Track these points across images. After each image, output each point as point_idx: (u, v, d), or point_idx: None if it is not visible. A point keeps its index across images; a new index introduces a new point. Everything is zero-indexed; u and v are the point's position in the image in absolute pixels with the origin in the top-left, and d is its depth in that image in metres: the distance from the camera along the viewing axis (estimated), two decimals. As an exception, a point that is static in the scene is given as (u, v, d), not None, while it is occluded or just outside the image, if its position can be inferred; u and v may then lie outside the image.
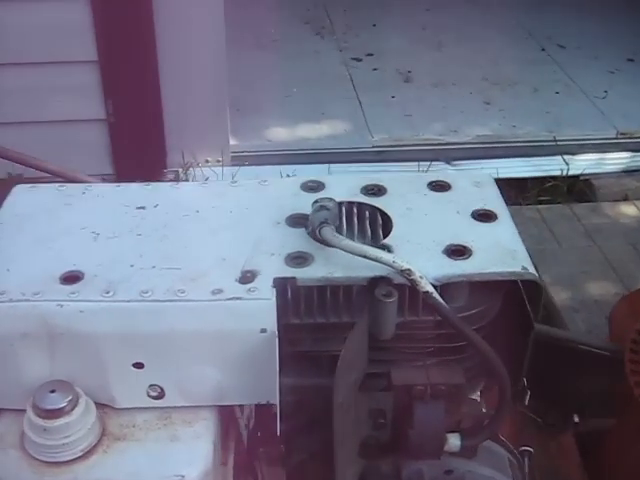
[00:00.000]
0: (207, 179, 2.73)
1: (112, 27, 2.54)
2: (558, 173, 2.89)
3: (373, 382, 0.78)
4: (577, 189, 2.96)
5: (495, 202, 0.85)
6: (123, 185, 0.89)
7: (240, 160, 2.82)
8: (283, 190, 0.86)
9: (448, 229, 0.80)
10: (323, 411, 0.83)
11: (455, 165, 2.90)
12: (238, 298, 0.70)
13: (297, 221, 0.80)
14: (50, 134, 2.70)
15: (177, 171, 2.78)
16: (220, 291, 0.70)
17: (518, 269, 0.75)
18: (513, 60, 3.69)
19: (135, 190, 0.87)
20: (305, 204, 0.83)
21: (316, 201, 0.78)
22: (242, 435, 0.86)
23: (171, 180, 2.77)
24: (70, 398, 0.70)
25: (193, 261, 0.74)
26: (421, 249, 0.77)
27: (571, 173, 2.91)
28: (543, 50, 3.82)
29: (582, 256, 2.59)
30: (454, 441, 0.77)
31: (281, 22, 3.96)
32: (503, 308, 0.81)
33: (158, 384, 0.74)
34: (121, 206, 0.83)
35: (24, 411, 0.74)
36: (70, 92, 2.63)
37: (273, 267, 0.73)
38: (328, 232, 0.73)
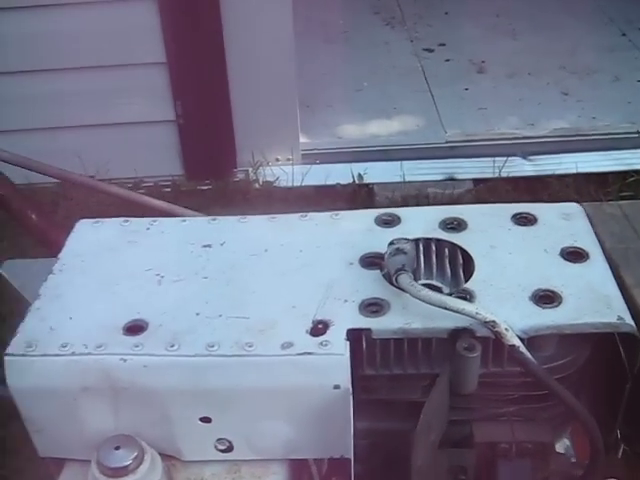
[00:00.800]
0: (277, 178, 2.71)
1: (180, 28, 2.52)
2: (640, 167, 2.77)
3: (453, 434, 0.73)
4: (660, 183, 2.83)
5: (586, 238, 0.79)
6: (189, 220, 0.85)
7: (310, 158, 2.79)
8: (356, 225, 0.81)
9: (535, 271, 0.74)
10: (396, 455, 0.79)
11: (532, 160, 2.81)
12: (309, 353, 0.66)
13: (371, 261, 0.76)
14: (121, 136, 2.70)
15: (247, 170, 2.76)
16: (290, 345, 0.66)
17: (614, 320, 0.69)
18: (592, 47, 3.56)
19: (201, 225, 0.83)
20: (380, 241, 0.77)
21: (392, 242, 0.73)
22: (314, 482, 0.82)
23: (241, 180, 2.75)
24: (135, 455, 0.67)
25: (261, 309, 0.70)
26: (506, 295, 0.71)
27: (655, 166, 2.78)
28: (624, 35, 3.67)
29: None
30: (542, 501, 0.72)
31: (350, 13, 3.90)
32: (596, 354, 0.74)
33: (226, 438, 0.70)
34: (186, 244, 0.80)
35: (87, 461, 0.72)
36: (139, 94, 2.64)
37: (346, 316, 0.69)
38: (405, 281, 0.68)
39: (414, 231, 0.79)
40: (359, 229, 0.80)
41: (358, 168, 2.71)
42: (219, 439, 0.70)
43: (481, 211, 0.83)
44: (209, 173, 2.73)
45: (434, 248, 0.78)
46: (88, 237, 0.83)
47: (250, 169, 2.73)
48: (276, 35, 2.55)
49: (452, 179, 2.75)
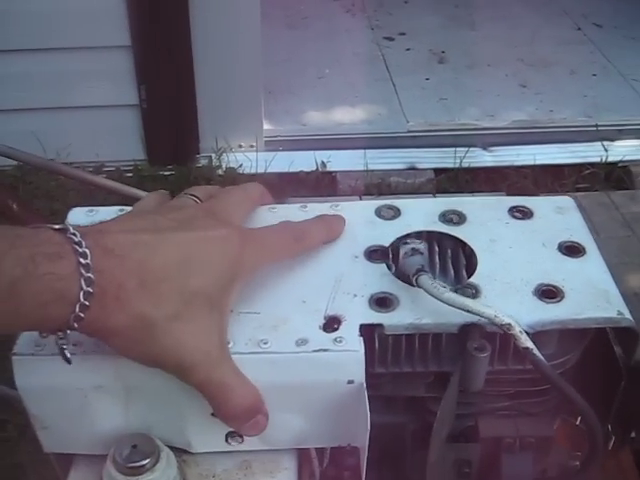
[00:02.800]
0: (241, 165, 2.71)
1: (145, 11, 2.51)
2: (597, 160, 2.85)
3: (457, 429, 0.75)
4: (615, 176, 2.91)
5: (581, 232, 0.81)
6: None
7: (274, 145, 2.80)
8: (357, 217, 0.81)
9: (536, 265, 0.76)
10: (394, 448, 0.81)
11: (492, 151, 2.86)
12: (325, 350, 0.66)
13: (376, 255, 0.76)
14: (83, 120, 2.68)
15: (210, 156, 2.75)
16: (305, 341, 0.67)
17: (614, 314, 0.71)
18: (548, 40, 3.63)
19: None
20: (382, 234, 0.78)
21: (405, 242, 0.74)
22: (315, 475, 0.84)
23: (204, 166, 2.74)
24: (152, 454, 0.67)
25: (271, 304, 0.71)
26: (510, 290, 0.73)
27: (610, 160, 2.86)
28: (579, 29, 3.75)
29: (621, 246, 2.55)
30: (541, 492, 0.75)
31: (310, -1, 3.90)
32: (589, 350, 0.77)
33: (237, 431, 0.71)
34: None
35: (98, 457, 0.72)
36: (103, 77, 2.62)
37: (357, 311, 0.70)
38: (427, 282, 0.68)
39: (415, 224, 0.80)
40: (360, 221, 0.81)
41: (322, 156, 2.73)
42: (230, 432, 0.71)
43: (478, 204, 0.84)
44: (172, 158, 2.72)
45: (436, 243, 0.79)
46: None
47: (213, 155, 2.74)
48: (243, 21, 2.55)
49: (414, 168, 2.79)
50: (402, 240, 0.75)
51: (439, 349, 0.71)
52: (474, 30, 3.63)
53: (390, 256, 0.76)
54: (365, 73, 3.22)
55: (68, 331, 0.58)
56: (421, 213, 0.83)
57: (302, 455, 0.76)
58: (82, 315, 0.57)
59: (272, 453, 0.73)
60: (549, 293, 0.73)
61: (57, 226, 0.58)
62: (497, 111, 3.00)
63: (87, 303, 0.56)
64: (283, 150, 2.75)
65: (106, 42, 2.52)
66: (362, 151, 2.72)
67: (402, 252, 0.73)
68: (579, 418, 0.79)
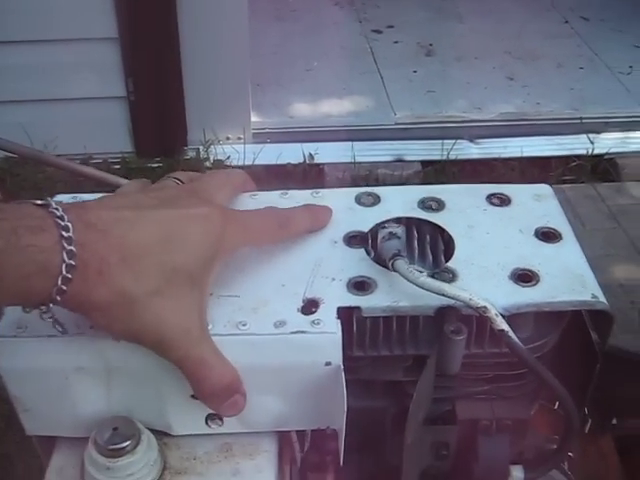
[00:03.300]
0: (228, 157, 2.71)
1: (132, 4, 2.50)
2: (583, 152, 2.87)
3: (435, 411, 0.76)
4: (601, 168, 2.93)
5: (558, 218, 0.82)
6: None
7: (262, 137, 2.81)
8: (337, 203, 0.82)
9: (512, 251, 0.77)
10: (374, 432, 0.81)
11: (479, 144, 2.87)
12: (302, 332, 0.67)
13: (355, 240, 0.77)
14: (70, 112, 2.67)
15: (198, 149, 2.76)
16: (283, 323, 0.68)
17: (588, 298, 0.72)
18: (535, 33, 3.65)
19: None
20: (361, 220, 0.79)
21: (383, 226, 0.75)
22: (296, 459, 0.84)
23: (192, 158, 2.74)
24: (133, 435, 0.67)
25: (251, 287, 0.72)
26: (487, 274, 0.74)
27: (596, 152, 2.88)
28: (566, 22, 3.77)
29: (607, 238, 2.57)
30: (517, 474, 0.75)
31: (298, -10, 3.90)
32: (565, 334, 0.78)
33: (216, 413, 0.71)
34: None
35: (80, 439, 0.72)
36: (90, 70, 2.62)
37: (335, 294, 0.71)
38: (403, 266, 0.69)
39: (394, 210, 0.81)
40: (340, 207, 0.82)
41: (309, 148, 2.74)
42: (210, 414, 0.72)
43: (457, 191, 0.85)
44: (159, 151, 2.72)
45: (415, 229, 0.80)
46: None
47: (201, 147, 2.74)
48: (230, 12, 2.55)
49: (401, 160, 2.80)
50: (380, 225, 0.76)
51: (416, 332, 0.72)
52: (462, 23, 3.65)
53: (369, 241, 0.77)
54: (353, 66, 3.23)
55: (51, 305, 0.59)
56: (400, 200, 0.84)
57: (283, 439, 0.77)
58: (64, 288, 0.57)
59: (252, 436, 0.74)
60: (525, 277, 0.74)
61: (39, 201, 0.58)
62: (484, 103, 3.02)
63: (69, 276, 0.57)
64: (271, 142, 2.76)
65: (93, 34, 2.52)
66: (349, 143, 2.73)
67: (380, 236, 0.74)
68: (557, 403, 0.80)
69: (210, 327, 0.68)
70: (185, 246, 0.63)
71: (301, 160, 2.70)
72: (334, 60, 3.28)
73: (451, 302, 0.70)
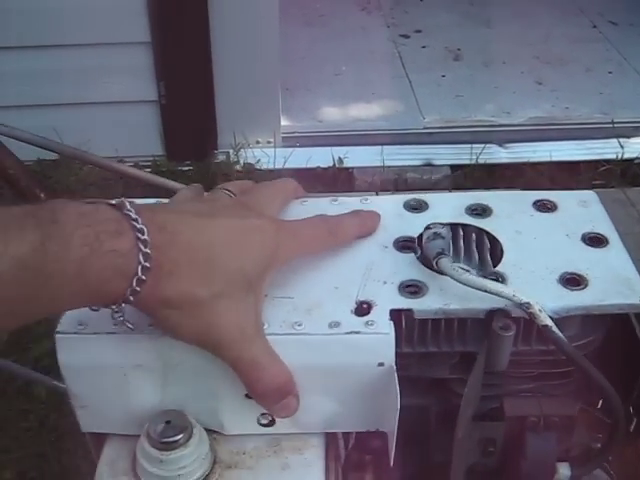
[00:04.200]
0: (258, 161, 2.73)
1: (165, 8, 2.53)
2: (613, 156, 2.86)
3: (483, 408, 0.77)
4: (631, 173, 2.92)
5: (604, 224, 0.83)
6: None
7: (291, 141, 2.82)
8: (386, 209, 0.83)
9: (560, 255, 0.78)
10: (418, 430, 0.83)
11: (508, 148, 2.87)
12: (357, 332, 0.68)
13: (405, 245, 0.79)
14: (103, 115, 2.70)
15: (228, 152, 2.78)
16: (337, 324, 0.69)
17: (637, 301, 0.73)
18: (564, 37, 3.64)
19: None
20: (410, 226, 0.81)
21: (428, 227, 0.76)
22: (340, 457, 0.86)
23: (222, 161, 2.76)
24: (186, 430, 0.69)
25: (304, 289, 0.73)
26: (535, 278, 0.75)
27: (626, 156, 2.87)
28: (594, 27, 3.75)
29: (637, 242, 2.56)
30: (564, 471, 0.76)
31: (326, -4, 3.91)
32: (611, 334, 0.79)
33: (269, 413, 0.73)
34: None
35: (132, 436, 0.74)
36: (123, 73, 2.64)
37: (388, 297, 0.72)
38: (447, 265, 0.71)
39: (442, 216, 0.82)
40: (389, 214, 0.83)
41: (338, 152, 2.75)
42: (262, 414, 0.73)
43: (504, 198, 0.86)
44: (190, 154, 2.74)
45: (462, 233, 0.81)
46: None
47: (231, 151, 2.76)
48: (261, 16, 2.57)
49: (430, 165, 2.80)
50: (426, 227, 0.77)
51: (464, 331, 0.73)
52: (489, 28, 3.64)
53: (417, 246, 0.78)
54: (381, 70, 3.24)
55: (123, 304, 0.61)
56: (448, 206, 0.85)
57: (328, 436, 0.78)
58: (138, 289, 0.59)
59: (300, 433, 0.75)
60: (573, 281, 0.75)
61: (113, 201, 0.60)
62: (513, 108, 3.02)
63: (144, 277, 0.59)
64: (300, 146, 2.77)
65: (126, 38, 2.55)
66: (379, 147, 2.74)
67: (425, 237, 0.76)
68: (600, 403, 0.81)
69: (266, 327, 0.69)
70: (243, 253, 0.65)
71: (330, 164, 2.71)
72: (362, 65, 3.28)
73: (501, 305, 0.71)
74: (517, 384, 0.78)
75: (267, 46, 2.62)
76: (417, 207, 0.85)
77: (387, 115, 2.95)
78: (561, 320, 0.73)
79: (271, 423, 0.74)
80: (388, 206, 0.85)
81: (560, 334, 0.70)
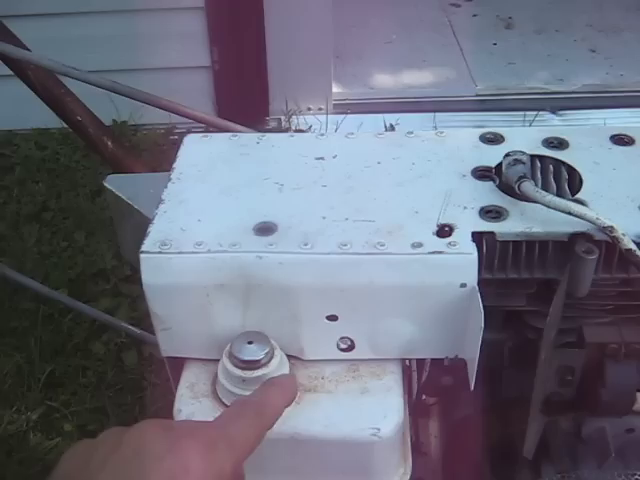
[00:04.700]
0: (310, 127, 2.73)
1: (220, -27, 2.53)
2: (669, 124, 2.80)
3: (561, 339, 0.77)
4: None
5: (683, 156, 0.82)
6: (296, 135, 0.88)
7: (342, 108, 2.82)
8: (462, 142, 0.84)
9: (640, 185, 0.77)
10: (491, 366, 0.82)
11: (561, 115, 2.84)
12: (440, 252, 0.69)
13: (483, 174, 0.79)
14: (156, 81, 2.71)
15: (279, 119, 2.78)
16: (420, 245, 0.69)
17: None
18: (617, 5, 3.58)
19: (309, 140, 0.86)
20: (488, 156, 0.81)
21: (508, 154, 0.76)
22: (412, 388, 0.86)
23: (273, 128, 2.77)
24: (268, 350, 0.70)
25: (385, 213, 0.73)
26: (616, 205, 0.74)
27: (682, 124, 2.80)
28: (649, -5, 3.67)
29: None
30: (645, 400, 0.76)
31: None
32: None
33: (349, 336, 0.74)
34: (299, 156, 0.82)
35: (211, 361, 0.75)
36: (177, 39, 2.65)
37: (469, 221, 0.72)
38: (529, 187, 0.71)
39: (518, 148, 0.82)
40: (466, 145, 0.83)
41: (390, 118, 2.74)
42: (342, 337, 0.74)
43: (581, 132, 0.85)
44: (242, 120, 2.74)
45: (540, 164, 0.80)
46: (199, 149, 0.85)
47: (283, 117, 2.76)
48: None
49: (483, 132, 2.76)
50: (506, 155, 0.77)
51: (545, 256, 0.72)
52: (541, -4, 3.60)
53: (495, 175, 0.78)
54: (432, 38, 3.22)
55: None
56: (524, 139, 0.85)
57: (404, 366, 0.79)
58: None
59: (378, 360, 0.76)
60: (654, 208, 0.74)
61: None
62: (566, 75, 2.98)
63: None
64: (351, 113, 2.77)
65: (179, 4, 2.56)
66: (431, 114, 2.72)
67: (505, 164, 0.75)
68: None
69: (348, 247, 0.70)
70: None
71: (382, 130, 2.70)
72: (413, 33, 3.26)
73: (584, 228, 0.71)
74: (595, 316, 0.78)
75: (320, 13, 2.62)
76: (493, 140, 0.85)
77: (439, 82, 2.93)
78: (641, 248, 0.72)
79: (350, 348, 0.75)
80: (464, 138, 0.85)
81: (644, 258, 0.69)
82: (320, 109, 2.76)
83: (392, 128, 2.71)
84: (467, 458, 0.89)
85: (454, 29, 3.30)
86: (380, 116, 2.72)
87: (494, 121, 2.78)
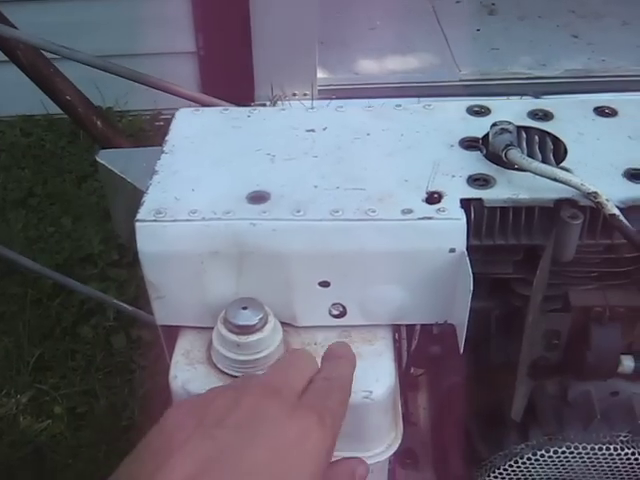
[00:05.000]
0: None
1: (204, -42, 2.53)
2: (651, 108, 2.82)
3: (548, 306, 0.78)
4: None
5: (666, 126, 0.84)
6: (287, 108, 0.89)
7: (327, 94, 2.83)
8: (450, 114, 0.85)
9: (623, 154, 0.79)
10: (478, 334, 0.84)
11: (544, 100, 2.85)
12: (429, 218, 0.70)
13: (470, 144, 0.80)
14: (141, 67, 2.70)
15: (265, 104, 2.79)
16: (410, 211, 0.71)
17: None
18: (599, -8, 3.59)
19: (300, 113, 0.87)
20: (475, 127, 0.83)
21: (494, 124, 0.78)
22: (402, 356, 0.88)
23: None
24: (261, 316, 0.71)
25: (376, 182, 0.75)
26: (600, 173, 0.76)
27: (664, 108, 2.83)
28: (630, -19, 3.69)
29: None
30: (628, 363, 0.78)
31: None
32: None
33: (341, 303, 0.75)
34: (290, 129, 0.84)
35: (205, 329, 0.77)
36: (162, 25, 2.65)
37: (457, 188, 0.74)
38: (516, 155, 0.73)
39: (505, 119, 0.83)
40: (453, 118, 0.85)
41: (375, 104, 2.74)
42: (334, 304, 0.75)
43: (565, 104, 0.87)
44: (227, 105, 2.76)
45: (526, 134, 0.82)
46: (192, 122, 0.87)
47: (268, 103, 2.77)
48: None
49: (466, 117, 2.78)
50: (493, 124, 0.79)
51: (532, 222, 0.74)
52: (524, -17, 3.62)
53: (482, 145, 0.80)
54: (416, 25, 3.23)
55: None
56: (510, 111, 0.87)
57: (397, 331, 0.81)
58: None
59: (369, 325, 0.78)
60: (637, 176, 0.76)
61: None
62: (549, 61, 3.00)
63: None
64: (337, 98, 2.78)
65: (165, -11, 2.57)
66: (416, 99, 2.74)
67: (492, 133, 0.77)
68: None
69: (339, 213, 0.71)
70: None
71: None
72: (397, 19, 3.28)
73: (568, 194, 0.73)
74: (579, 283, 0.80)
75: (305, -2, 2.63)
76: (480, 112, 0.87)
77: (423, 68, 2.95)
78: (626, 213, 0.74)
79: (342, 314, 0.76)
80: (452, 110, 0.87)
81: (626, 222, 0.71)
82: (305, 95, 2.78)
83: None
84: (455, 425, 0.91)
85: (438, 15, 3.32)
86: (365, 101, 2.73)
87: (478, 106, 2.80)
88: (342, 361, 0.67)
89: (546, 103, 0.87)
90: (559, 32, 3.23)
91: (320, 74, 2.84)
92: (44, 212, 2.50)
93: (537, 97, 2.85)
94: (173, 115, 0.90)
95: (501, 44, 3.12)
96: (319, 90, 2.81)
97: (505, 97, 2.78)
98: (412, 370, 0.98)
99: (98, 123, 1.23)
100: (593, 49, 3.12)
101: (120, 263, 2.24)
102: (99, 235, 2.30)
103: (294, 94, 2.78)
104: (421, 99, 2.76)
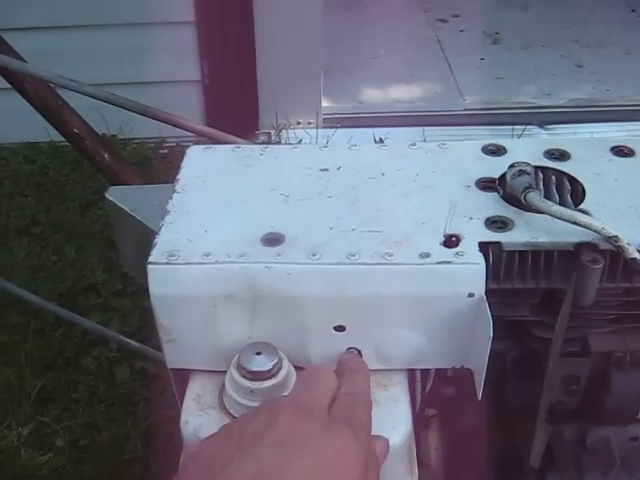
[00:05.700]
0: (300, 141, 2.74)
1: (210, -13, 2.54)
2: (655, 138, 2.82)
3: (566, 348, 0.77)
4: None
5: (684, 168, 0.83)
6: (300, 146, 0.88)
7: (332, 122, 2.83)
8: (465, 153, 0.84)
9: (642, 195, 0.78)
10: (492, 376, 0.83)
11: (549, 129, 2.86)
12: (448, 262, 0.69)
13: (487, 185, 0.79)
14: (146, 95, 2.71)
15: (269, 133, 2.79)
16: (428, 255, 0.70)
17: None
18: (602, 21, 3.62)
19: (314, 152, 0.86)
20: (491, 168, 0.81)
21: (512, 165, 0.77)
22: (416, 399, 0.87)
23: (263, 142, 2.78)
24: (276, 361, 0.70)
25: (392, 224, 0.74)
26: (619, 215, 0.75)
27: (668, 138, 2.82)
28: (633, 11, 3.73)
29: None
30: (649, 411, 0.77)
31: (363, -19, 3.90)
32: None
33: (356, 347, 0.74)
34: (303, 168, 0.83)
35: (217, 372, 0.75)
36: (167, 53, 2.66)
37: (475, 231, 0.72)
38: (535, 197, 0.71)
39: (521, 160, 0.82)
40: (469, 157, 0.84)
41: (380, 132, 2.75)
42: (349, 348, 0.74)
43: (581, 143, 0.86)
44: (232, 134, 2.75)
45: (543, 175, 0.81)
46: (203, 161, 0.85)
47: (273, 131, 2.77)
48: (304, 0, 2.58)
49: (471, 146, 2.78)
50: (509, 166, 0.78)
51: (551, 265, 0.73)
52: (527, 12, 3.63)
53: (499, 185, 0.79)
54: (420, 53, 3.24)
55: None
56: (526, 151, 0.85)
57: (412, 376, 0.79)
58: None
59: (384, 370, 0.76)
60: (657, 218, 0.75)
61: None
62: (553, 90, 3.01)
63: None
64: (341, 127, 2.78)
65: (170, 18, 2.57)
66: (420, 128, 2.74)
67: (509, 174, 0.76)
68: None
69: (356, 257, 0.70)
70: None
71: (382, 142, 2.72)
72: (401, 48, 3.29)
73: (589, 238, 0.71)
74: (598, 326, 0.79)
75: (310, 28, 2.63)
76: (496, 151, 0.86)
77: (427, 97, 2.95)
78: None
79: (357, 358, 0.75)
80: (467, 149, 0.86)
81: (646, 267, 0.70)
82: (310, 123, 2.77)
83: (382, 142, 2.72)
84: (471, 469, 0.89)
85: (442, 44, 3.33)
86: (370, 130, 2.74)
87: (483, 135, 2.80)
88: (358, 375, 0.69)
89: (562, 142, 0.86)
90: (563, 61, 3.24)
91: (325, 103, 2.85)
92: (47, 240, 2.49)
93: (542, 127, 2.86)
94: (184, 152, 0.89)
95: (505, 73, 3.12)
96: (324, 118, 2.81)
97: (510, 126, 2.78)
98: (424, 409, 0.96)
99: (105, 156, 1.22)
100: (597, 78, 3.12)
101: (124, 292, 2.22)
102: (102, 264, 2.29)
103: (299, 122, 2.78)
104: (426, 128, 2.76)
